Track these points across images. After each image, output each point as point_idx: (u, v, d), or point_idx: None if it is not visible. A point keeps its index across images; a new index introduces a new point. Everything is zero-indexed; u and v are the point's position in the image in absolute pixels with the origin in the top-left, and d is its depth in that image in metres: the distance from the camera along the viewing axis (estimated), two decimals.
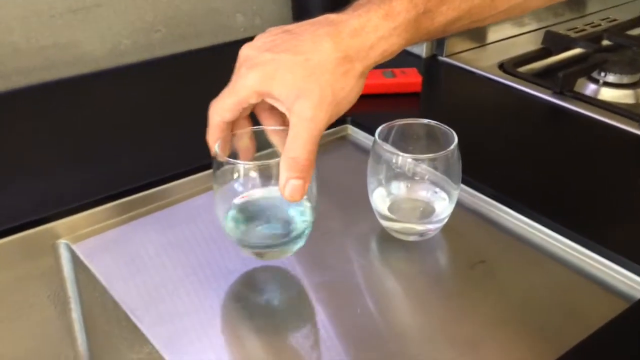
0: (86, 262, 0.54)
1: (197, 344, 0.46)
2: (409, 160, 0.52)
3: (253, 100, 0.45)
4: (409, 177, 0.54)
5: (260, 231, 0.51)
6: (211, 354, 0.45)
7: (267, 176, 0.47)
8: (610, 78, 0.82)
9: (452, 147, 0.52)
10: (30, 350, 0.58)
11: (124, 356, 0.54)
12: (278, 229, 0.51)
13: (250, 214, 0.51)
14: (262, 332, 0.47)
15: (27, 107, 0.75)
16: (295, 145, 0.43)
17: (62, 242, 0.56)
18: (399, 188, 0.55)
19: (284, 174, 0.43)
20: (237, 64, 0.46)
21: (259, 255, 0.51)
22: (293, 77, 0.43)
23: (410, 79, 0.77)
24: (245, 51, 0.45)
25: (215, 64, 0.87)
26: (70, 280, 0.58)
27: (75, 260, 0.55)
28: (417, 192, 0.55)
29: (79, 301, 0.59)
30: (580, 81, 0.82)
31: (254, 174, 0.47)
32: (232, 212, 0.49)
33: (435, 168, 0.53)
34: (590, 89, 0.82)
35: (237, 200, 0.49)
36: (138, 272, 0.52)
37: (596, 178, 0.62)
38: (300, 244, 0.50)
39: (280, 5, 0.96)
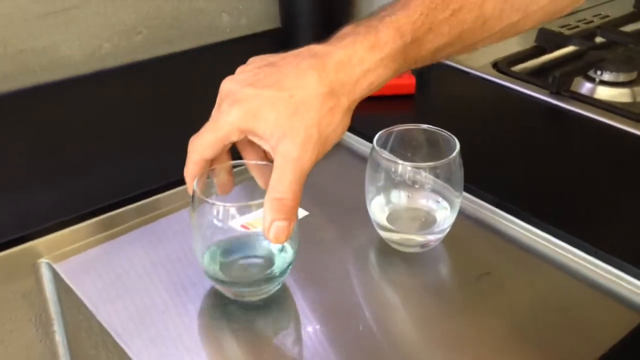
0: (69, 282, 0.50)
1: None
2: (409, 168, 0.50)
3: (235, 138, 0.43)
4: (408, 185, 0.51)
5: (240, 268, 0.49)
6: None
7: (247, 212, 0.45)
8: (607, 76, 0.80)
9: (454, 154, 0.49)
10: None
11: None
12: (258, 267, 0.49)
13: (229, 251, 0.48)
14: (254, 356, 0.44)
15: (2, 116, 0.71)
16: (281, 186, 0.41)
17: (43, 262, 0.53)
18: (399, 197, 0.53)
19: (268, 216, 0.41)
20: (218, 99, 0.44)
21: (239, 295, 0.48)
22: (277, 115, 0.41)
23: (403, 80, 0.74)
24: (227, 85, 0.43)
25: (200, 67, 0.84)
26: (53, 301, 0.55)
27: (58, 280, 0.52)
28: (417, 201, 0.53)
29: (62, 323, 0.56)
30: (576, 80, 0.80)
31: (233, 211, 0.44)
32: (212, 249, 0.47)
33: (437, 176, 0.50)
34: (586, 87, 0.81)
35: (216, 238, 0.47)
36: (124, 292, 0.49)
37: (598, 180, 0.60)
38: (278, 284, 0.48)
39: (267, 5, 0.93)
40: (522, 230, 0.55)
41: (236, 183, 0.48)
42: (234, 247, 0.48)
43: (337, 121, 0.42)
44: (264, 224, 0.41)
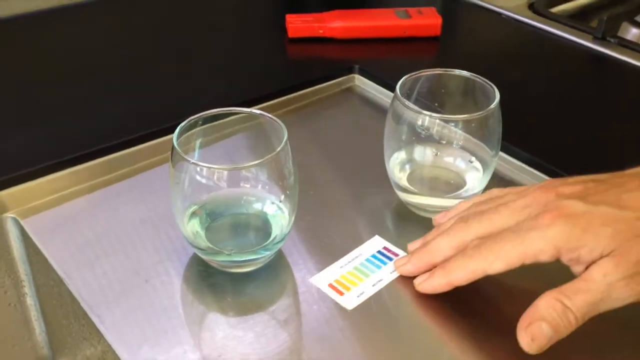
0: (37, 242, 0.43)
1: (165, 344, 0.36)
2: (438, 121, 0.42)
3: (544, 258, 0.35)
4: (435, 141, 0.44)
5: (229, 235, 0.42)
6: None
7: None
8: None
9: (493, 105, 0.41)
10: None
11: (85, 352, 0.45)
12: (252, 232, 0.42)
13: (215, 213, 0.41)
14: (243, 331, 0.38)
15: None
16: (577, 299, 0.33)
17: (9, 217, 0.46)
18: (423, 154, 0.45)
19: (542, 311, 0.34)
20: (525, 205, 0.36)
21: (227, 267, 0.41)
22: (613, 233, 0.33)
23: (427, 20, 0.66)
24: (545, 196, 0.36)
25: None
26: (22, 261, 0.48)
27: (27, 238, 0.45)
28: (444, 159, 0.45)
29: (33, 285, 0.49)
30: (623, 25, 0.71)
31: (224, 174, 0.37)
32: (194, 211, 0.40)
33: (470, 131, 0.42)
34: (632, 33, 0.72)
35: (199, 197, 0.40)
36: (100, 256, 0.42)
37: None
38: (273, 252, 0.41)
39: None
40: None
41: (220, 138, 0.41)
42: (221, 209, 0.41)
43: None
44: (523, 322, 0.34)
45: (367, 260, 0.42)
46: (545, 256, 0.35)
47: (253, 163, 0.37)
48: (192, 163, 0.37)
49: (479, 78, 0.43)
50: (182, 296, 0.40)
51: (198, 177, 0.37)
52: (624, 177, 0.37)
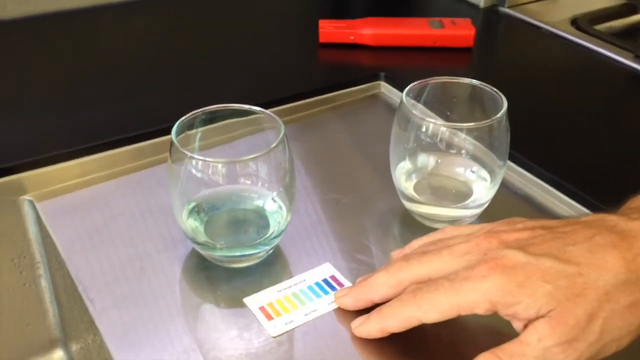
0: (47, 224, 0.45)
1: (151, 332, 0.37)
2: (443, 128, 0.41)
3: (479, 311, 0.32)
4: (442, 149, 0.43)
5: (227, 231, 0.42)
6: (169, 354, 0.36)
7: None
8: None
9: (499, 114, 0.40)
10: None
11: (87, 338, 0.46)
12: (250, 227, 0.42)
13: (213, 208, 0.42)
14: (236, 328, 0.38)
15: (22, 38, 0.66)
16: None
17: (25, 199, 0.48)
18: (429, 162, 0.44)
19: None
20: (466, 251, 0.34)
21: (225, 262, 0.41)
22: (552, 289, 0.31)
23: (460, 30, 0.65)
24: (486, 243, 0.34)
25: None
26: (38, 243, 0.50)
27: (41, 222, 0.47)
28: (451, 168, 0.44)
29: (48, 267, 0.51)
30: None
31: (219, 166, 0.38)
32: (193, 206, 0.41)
33: (477, 140, 0.41)
34: None
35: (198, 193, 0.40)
36: (103, 242, 0.43)
37: None
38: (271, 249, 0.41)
39: None
40: (574, 213, 0.45)
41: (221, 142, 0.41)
42: (219, 205, 0.42)
43: (634, 325, 0.31)
44: None
45: (309, 287, 0.40)
46: (480, 309, 0.32)
47: (250, 157, 0.37)
48: (190, 157, 0.37)
49: (487, 86, 0.42)
50: (172, 286, 0.40)
51: (195, 172, 0.38)
52: (575, 226, 0.33)
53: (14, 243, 0.49)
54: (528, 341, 0.31)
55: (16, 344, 0.53)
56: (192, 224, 0.41)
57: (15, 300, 0.51)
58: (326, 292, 0.40)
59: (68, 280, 0.42)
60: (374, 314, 0.36)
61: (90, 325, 0.40)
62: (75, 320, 0.47)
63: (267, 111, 0.40)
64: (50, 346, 0.55)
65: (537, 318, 0.31)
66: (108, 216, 0.45)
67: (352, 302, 0.38)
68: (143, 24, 0.71)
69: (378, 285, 0.36)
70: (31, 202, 0.48)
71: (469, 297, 0.32)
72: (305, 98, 0.58)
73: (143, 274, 0.41)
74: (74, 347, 0.53)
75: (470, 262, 0.33)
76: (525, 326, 0.32)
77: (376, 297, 0.36)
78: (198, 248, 0.41)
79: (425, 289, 0.33)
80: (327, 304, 0.39)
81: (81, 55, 0.64)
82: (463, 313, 0.32)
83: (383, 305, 0.35)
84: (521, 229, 0.34)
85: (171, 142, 0.38)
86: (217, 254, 0.41)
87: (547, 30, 0.70)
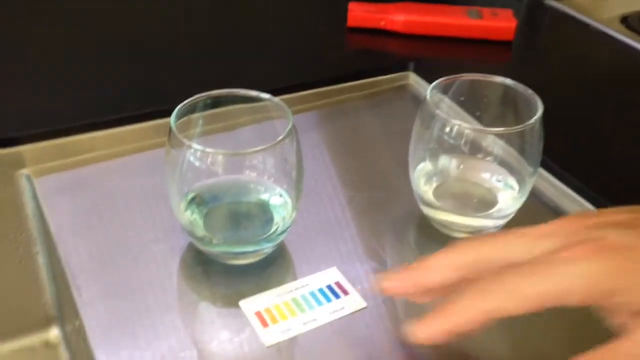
0: (42, 202, 0.43)
1: (139, 334, 0.34)
2: (467, 130, 0.37)
3: (571, 301, 0.27)
4: (466, 153, 0.39)
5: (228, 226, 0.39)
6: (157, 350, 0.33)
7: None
8: None
9: (533, 120, 0.36)
10: None
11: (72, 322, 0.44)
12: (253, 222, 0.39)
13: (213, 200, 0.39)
14: (235, 326, 0.35)
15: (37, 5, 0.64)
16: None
17: (23, 173, 0.45)
18: (451, 166, 0.41)
19: None
20: (550, 232, 0.29)
21: (226, 258, 0.38)
22: None
23: (500, 22, 0.60)
24: (573, 223, 0.29)
25: None
26: (36, 218, 0.48)
27: (36, 197, 0.45)
28: (475, 173, 0.41)
29: (46, 245, 0.49)
30: None
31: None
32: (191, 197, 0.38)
33: (506, 144, 0.38)
34: None
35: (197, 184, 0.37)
36: (96, 225, 0.41)
37: None
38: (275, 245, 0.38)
39: None
40: None
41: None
42: (220, 196, 0.39)
43: None
44: None
45: (312, 293, 0.37)
46: (573, 299, 0.26)
47: (253, 150, 0.34)
48: (187, 145, 0.34)
49: (523, 87, 0.38)
50: (165, 280, 0.38)
51: (194, 160, 0.35)
52: None
53: (10, 218, 0.47)
54: None
55: (11, 321, 0.51)
56: (190, 216, 0.38)
57: (11, 276, 0.49)
58: (329, 300, 0.36)
59: (57, 261, 0.40)
60: (437, 311, 0.28)
61: (77, 314, 0.38)
62: (67, 303, 0.45)
63: (276, 99, 0.37)
64: (46, 324, 0.53)
65: None
66: (106, 198, 0.43)
67: (400, 284, 0.30)
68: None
69: (438, 268, 0.29)
70: (29, 177, 0.45)
71: (562, 284, 0.26)
72: (326, 85, 0.55)
73: (135, 264, 0.38)
74: (69, 327, 0.51)
75: (555, 244, 0.28)
76: (627, 322, 0.27)
77: (436, 280, 0.29)
78: (196, 242, 0.38)
79: (505, 274, 0.27)
80: (328, 313, 0.36)
81: (92, 29, 0.61)
82: (550, 304, 0.26)
83: (445, 301, 0.28)
84: (618, 212, 0.29)
85: (170, 130, 0.35)
86: (216, 249, 0.38)
87: (595, 28, 0.65)
